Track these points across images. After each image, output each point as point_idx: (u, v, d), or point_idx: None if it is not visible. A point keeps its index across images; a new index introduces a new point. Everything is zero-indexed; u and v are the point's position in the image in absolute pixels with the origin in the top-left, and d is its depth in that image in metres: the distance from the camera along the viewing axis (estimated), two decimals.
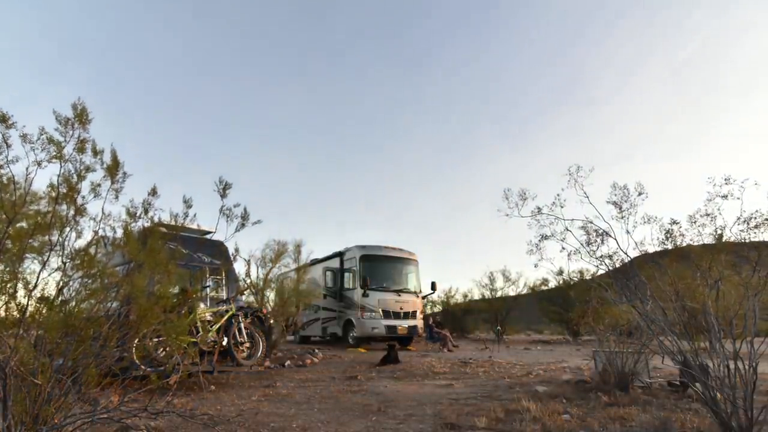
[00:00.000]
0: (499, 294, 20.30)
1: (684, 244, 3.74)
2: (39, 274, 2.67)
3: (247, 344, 6.31)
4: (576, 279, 16.83)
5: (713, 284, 3.20)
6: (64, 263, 2.82)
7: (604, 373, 5.13)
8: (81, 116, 2.86)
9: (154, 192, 3.51)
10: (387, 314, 12.66)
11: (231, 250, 8.83)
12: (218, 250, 8.13)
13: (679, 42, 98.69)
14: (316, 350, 10.85)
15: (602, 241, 3.95)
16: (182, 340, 3.13)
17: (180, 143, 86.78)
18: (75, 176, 2.93)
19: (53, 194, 2.85)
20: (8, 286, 2.55)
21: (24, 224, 2.74)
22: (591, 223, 3.99)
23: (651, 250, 3.86)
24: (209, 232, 8.11)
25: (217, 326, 5.97)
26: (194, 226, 4.61)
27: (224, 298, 7.24)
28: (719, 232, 3.42)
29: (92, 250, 3.04)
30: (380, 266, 13.35)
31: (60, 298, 2.73)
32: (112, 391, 2.87)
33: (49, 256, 2.76)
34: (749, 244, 3.33)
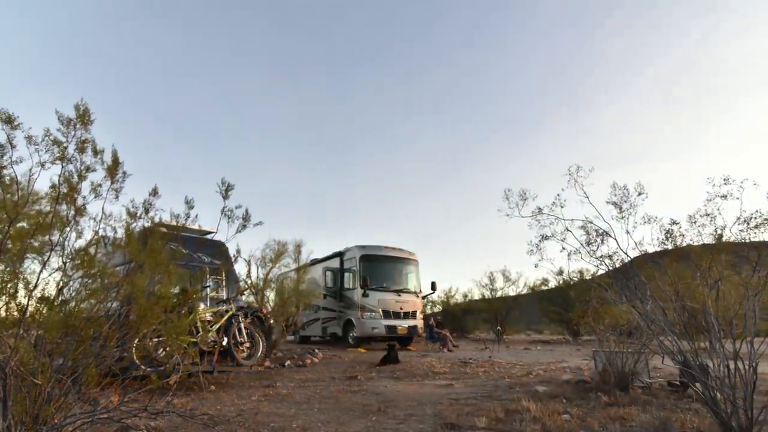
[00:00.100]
0: (499, 294, 20.33)
1: (684, 244, 3.74)
2: (39, 274, 2.68)
3: (247, 344, 6.31)
4: (576, 279, 16.84)
5: (713, 284, 3.20)
6: (65, 263, 2.83)
7: (604, 373, 5.13)
8: (83, 117, 2.86)
9: (155, 192, 3.52)
10: (387, 314, 12.66)
11: (232, 251, 8.85)
12: (218, 250, 8.12)
13: (679, 42, 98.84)
14: (316, 350, 10.85)
15: (602, 241, 3.95)
16: (182, 340, 3.13)
17: (180, 144, 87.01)
18: (76, 176, 2.94)
19: (54, 194, 2.85)
20: (9, 286, 2.55)
21: (25, 224, 2.74)
22: (591, 223, 4.00)
23: (651, 250, 3.87)
24: (210, 233, 8.11)
25: (217, 326, 5.97)
26: (195, 227, 4.60)
27: (224, 298, 7.24)
28: (719, 232, 3.42)
29: (92, 250, 3.05)
30: (380, 266, 13.35)
31: (60, 298, 2.73)
32: (112, 391, 2.87)
33: (49, 256, 2.76)
34: (749, 244, 3.33)
